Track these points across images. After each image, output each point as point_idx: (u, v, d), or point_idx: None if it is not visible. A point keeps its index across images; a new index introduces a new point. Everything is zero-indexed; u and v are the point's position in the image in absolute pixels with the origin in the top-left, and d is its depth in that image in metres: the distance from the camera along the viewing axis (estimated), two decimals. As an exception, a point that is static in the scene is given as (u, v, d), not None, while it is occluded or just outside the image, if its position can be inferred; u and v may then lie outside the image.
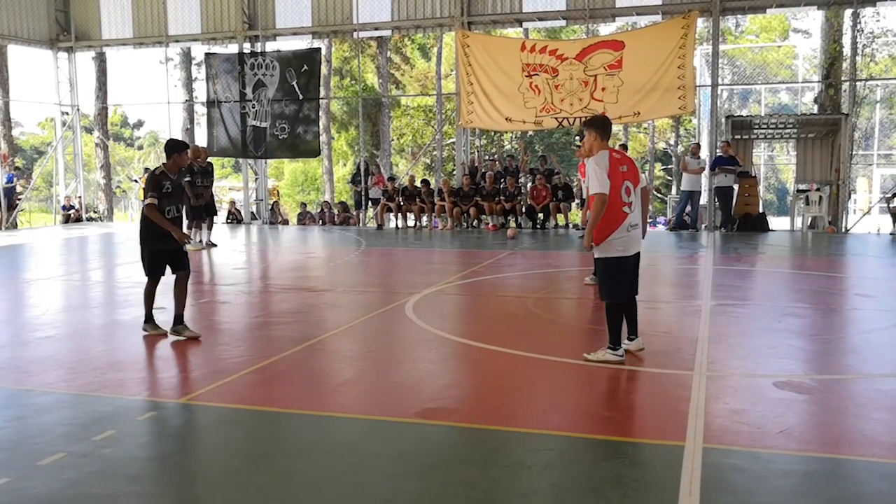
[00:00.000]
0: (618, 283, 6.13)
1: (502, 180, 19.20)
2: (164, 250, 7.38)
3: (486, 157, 27.17)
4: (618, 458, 4.31)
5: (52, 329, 7.83)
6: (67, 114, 23.60)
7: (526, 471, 4.18)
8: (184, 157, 7.58)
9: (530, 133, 32.19)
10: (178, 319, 7.40)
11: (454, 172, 21.38)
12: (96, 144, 28.81)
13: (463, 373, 6.37)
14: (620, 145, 18.67)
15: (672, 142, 39.02)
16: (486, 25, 19.93)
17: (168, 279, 7.48)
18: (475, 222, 19.25)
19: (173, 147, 7.49)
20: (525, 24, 20.85)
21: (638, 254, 6.25)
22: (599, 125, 6.17)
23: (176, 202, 7.49)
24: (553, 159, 20.62)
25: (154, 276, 7.46)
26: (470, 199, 19.07)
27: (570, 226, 18.78)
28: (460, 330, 7.91)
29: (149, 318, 7.51)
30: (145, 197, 7.40)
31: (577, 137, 17.27)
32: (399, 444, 4.57)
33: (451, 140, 28.84)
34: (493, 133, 33.15)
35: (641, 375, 6.00)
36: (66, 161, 23.88)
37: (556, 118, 18.54)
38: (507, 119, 18.99)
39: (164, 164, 7.48)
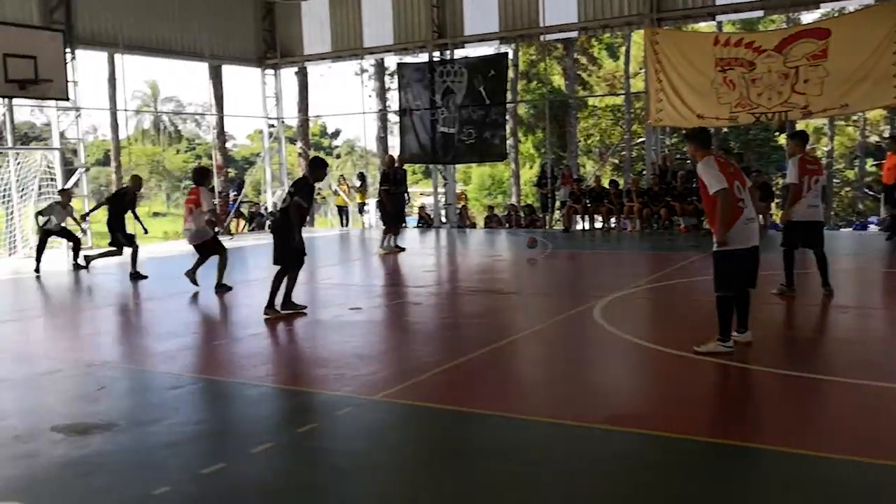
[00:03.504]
0: (731, 274, 6.43)
1: (694, 180, 18.48)
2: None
3: (678, 156, 26.28)
4: (847, 479, 4.03)
5: (260, 327, 8.43)
6: (273, 126, 25.36)
7: (722, 483, 4.00)
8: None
9: (724, 130, 30.81)
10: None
11: (643, 172, 20.83)
12: (299, 154, 30.71)
13: (653, 379, 6.21)
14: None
15: (886, 135, 35.83)
16: (677, 21, 19.27)
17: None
18: (666, 224, 18.66)
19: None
20: (718, 18, 19.98)
21: (757, 247, 6.52)
22: (696, 137, 6.61)
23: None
24: (750, 157, 19.59)
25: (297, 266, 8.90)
26: (660, 199, 18.52)
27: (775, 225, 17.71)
28: (650, 335, 7.70)
29: (271, 304, 8.72)
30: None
31: (777, 133, 16.22)
32: (587, 450, 4.53)
33: (641, 139, 28.13)
34: (684, 131, 32.00)
35: (857, 388, 5.56)
36: (273, 170, 25.63)
37: (752, 114, 17.60)
38: (698, 116, 18.23)
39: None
